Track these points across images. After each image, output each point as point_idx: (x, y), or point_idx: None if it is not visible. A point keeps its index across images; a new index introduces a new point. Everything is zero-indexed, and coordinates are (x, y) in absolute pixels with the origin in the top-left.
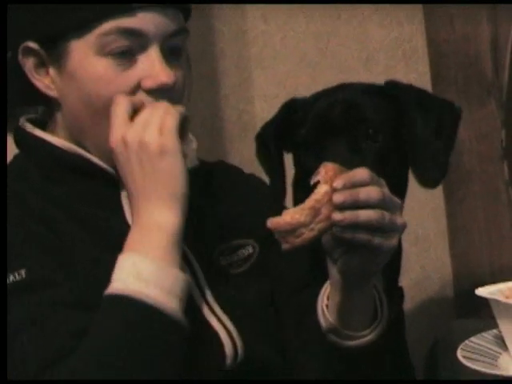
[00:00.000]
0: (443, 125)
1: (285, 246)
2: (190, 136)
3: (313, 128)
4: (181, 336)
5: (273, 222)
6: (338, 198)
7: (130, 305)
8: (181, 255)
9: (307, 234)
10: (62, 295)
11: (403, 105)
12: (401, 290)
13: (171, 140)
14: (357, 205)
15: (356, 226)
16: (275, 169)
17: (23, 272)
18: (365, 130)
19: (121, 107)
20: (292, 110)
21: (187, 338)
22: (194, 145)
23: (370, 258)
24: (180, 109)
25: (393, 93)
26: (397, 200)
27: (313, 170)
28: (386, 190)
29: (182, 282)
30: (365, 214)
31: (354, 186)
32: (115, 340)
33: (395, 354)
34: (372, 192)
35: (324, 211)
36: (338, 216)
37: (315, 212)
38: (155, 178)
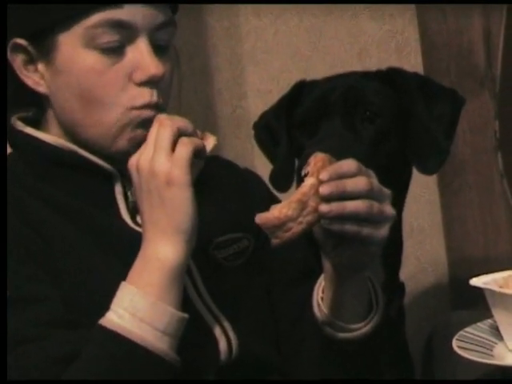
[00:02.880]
0: (445, 112)
1: (274, 242)
2: (209, 134)
3: (310, 108)
4: (170, 374)
5: (261, 218)
6: (324, 189)
7: (122, 344)
8: (181, 291)
9: (296, 228)
10: (49, 312)
11: (405, 91)
12: (402, 285)
13: (180, 171)
14: (344, 196)
15: (344, 218)
16: (282, 151)
17: (7, 289)
18: (362, 112)
19: (166, 132)
20: (299, 91)
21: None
22: (211, 143)
23: (361, 249)
24: (196, 141)
25: (395, 79)
26: (386, 190)
27: (306, 149)
28: (375, 181)
29: (176, 322)
30: (352, 205)
31: (341, 177)
32: (102, 373)
33: (395, 349)
34: (359, 182)
35: (311, 204)
36: (324, 208)
37: (302, 205)
38: (161, 209)
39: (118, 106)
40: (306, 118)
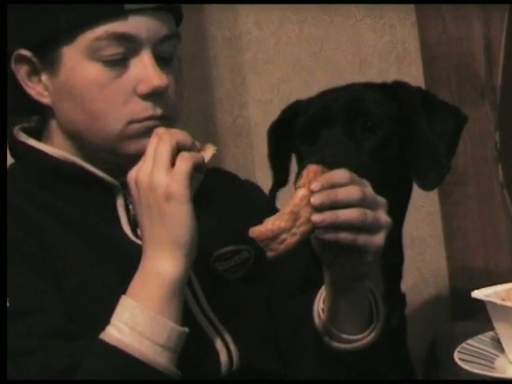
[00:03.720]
0: (447, 129)
1: (270, 254)
2: (208, 144)
3: (312, 117)
4: None
5: (254, 231)
6: (315, 199)
7: (122, 358)
8: (181, 304)
9: (290, 239)
10: (49, 323)
11: (408, 105)
12: (403, 295)
13: (179, 185)
14: (336, 205)
15: (338, 227)
16: (278, 162)
17: (8, 301)
18: (363, 122)
19: (165, 147)
20: (295, 110)
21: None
22: (210, 153)
23: (359, 258)
24: (196, 155)
25: (398, 92)
26: (380, 198)
27: (305, 159)
28: (368, 189)
29: (176, 336)
30: (345, 214)
31: (333, 186)
32: None
33: (396, 359)
34: (351, 191)
35: (304, 214)
36: (317, 217)
37: (295, 216)
38: (161, 223)
39: (121, 118)
40: (307, 126)
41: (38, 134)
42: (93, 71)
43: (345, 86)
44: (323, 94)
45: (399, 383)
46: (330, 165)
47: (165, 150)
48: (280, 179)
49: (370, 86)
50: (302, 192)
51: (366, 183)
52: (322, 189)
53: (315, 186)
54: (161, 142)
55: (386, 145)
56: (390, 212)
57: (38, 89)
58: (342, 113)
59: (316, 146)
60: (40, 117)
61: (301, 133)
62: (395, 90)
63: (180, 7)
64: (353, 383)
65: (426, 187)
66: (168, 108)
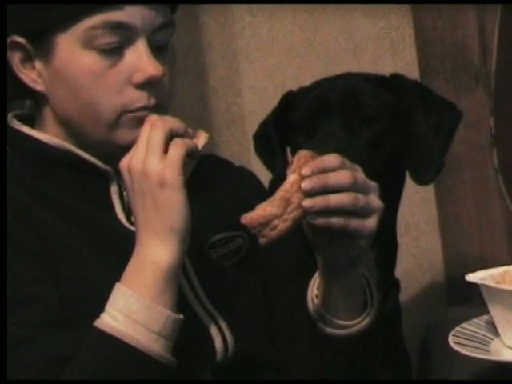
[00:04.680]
0: (442, 125)
1: (262, 241)
2: (200, 131)
3: (309, 109)
4: (165, 375)
5: (246, 218)
6: (306, 184)
7: (116, 346)
8: (176, 292)
9: (281, 225)
10: (45, 312)
11: (405, 99)
12: (397, 282)
13: (173, 172)
14: (327, 190)
15: (329, 212)
16: (277, 159)
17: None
18: (360, 114)
19: (158, 133)
20: (289, 101)
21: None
22: (203, 140)
23: (352, 243)
24: (189, 142)
25: (396, 85)
26: (371, 182)
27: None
28: (359, 174)
29: (171, 323)
30: (336, 198)
31: (324, 171)
32: (97, 375)
33: (391, 345)
34: (341, 176)
35: (294, 200)
36: (308, 202)
37: (286, 202)
38: (154, 210)
39: (115, 108)
40: (304, 119)
41: (31, 121)
42: (88, 60)
43: (341, 75)
44: (319, 85)
45: (398, 383)
46: None
47: (158, 137)
48: (280, 173)
49: (368, 78)
50: (292, 177)
51: (358, 168)
52: (313, 174)
53: (306, 171)
54: (154, 129)
55: (382, 138)
56: (383, 200)
57: (31, 76)
58: (339, 106)
59: (314, 140)
60: (33, 102)
61: (298, 125)
62: (392, 84)
63: None
64: (353, 383)
65: (420, 182)
66: (161, 97)
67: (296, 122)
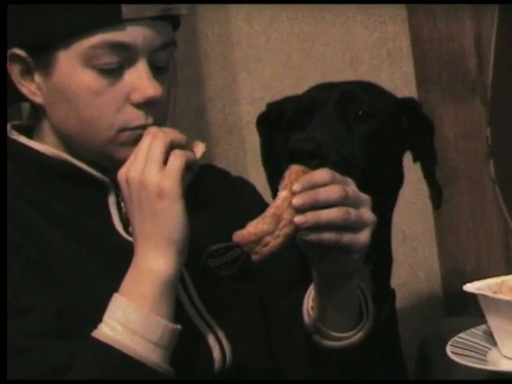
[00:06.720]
0: (431, 147)
1: (254, 257)
2: (197, 142)
3: (304, 104)
4: None
5: (237, 236)
6: (297, 201)
7: (114, 356)
8: (174, 302)
9: (274, 242)
10: (41, 322)
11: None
12: (392, 291)
13: (172, 183)
14: (318, 205)
15: (321, 227)
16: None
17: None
18: (355, 111)
19: (159, 145)
20: (284, 106)
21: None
22: (201, 151)
23: (345, 257)
24: (189, 154)
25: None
26: (364, 196)
27: (295, 136)
28: (351, 188)
29: (169, 333)
30: (326, 214)
31: (314, 187)
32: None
33: (388, 355)
34: (332, 191)
35: (286, 216)
36: (299, 218)
37: (277, 218)
38: (153, 221)
39: (112, 126)
40: (298, 112)
41: (29, 131)
42: (87, 78)
43: (336, 82)
44: (316, 87)
45: (398, 383)
46: (318, 143)
47: (159, 148)
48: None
49: (371, 84)
50: (283, 194)
51: (349, 181)
52: (303, 190)
53: (296, 187)
54: (155, 140)
55: (376, 136)
56: (377, 210)
57: (31, 88)
58: (334, 100)
59: (307, 128)
60: (32, 112)
61: (291, 119)
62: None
63: (178, 15)
64: (353, 383)
65: (439, 207)
66: (159, 116)
67: (289, 116)
